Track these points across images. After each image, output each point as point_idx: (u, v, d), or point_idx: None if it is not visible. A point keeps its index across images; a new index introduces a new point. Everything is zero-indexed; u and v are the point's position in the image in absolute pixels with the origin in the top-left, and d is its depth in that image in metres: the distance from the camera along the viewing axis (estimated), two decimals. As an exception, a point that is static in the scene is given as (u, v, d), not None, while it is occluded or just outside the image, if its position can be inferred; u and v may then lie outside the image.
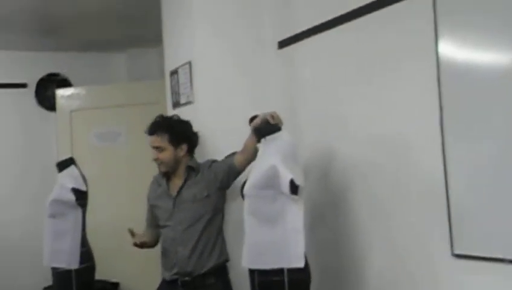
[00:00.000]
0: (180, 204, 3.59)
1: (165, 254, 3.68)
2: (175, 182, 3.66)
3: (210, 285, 3.52)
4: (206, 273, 3.51)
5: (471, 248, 2.66)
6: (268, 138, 3.04)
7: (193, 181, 3.61)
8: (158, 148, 3.62)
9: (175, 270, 3.59)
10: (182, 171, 3.63)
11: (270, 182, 2.93)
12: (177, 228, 3.58)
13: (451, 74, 2.72)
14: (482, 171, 2.61)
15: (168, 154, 3.61)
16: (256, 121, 3.17)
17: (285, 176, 2.88)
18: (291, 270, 2.93)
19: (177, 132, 3.62)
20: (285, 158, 2.95)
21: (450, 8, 2.72)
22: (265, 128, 3.08)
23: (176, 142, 3.60)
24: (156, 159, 3.63)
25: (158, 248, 3.88)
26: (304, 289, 3.03)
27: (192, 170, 3.62)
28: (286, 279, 2.92)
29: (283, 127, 3.10)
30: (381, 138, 3.16)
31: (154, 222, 3.80)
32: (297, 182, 2.88)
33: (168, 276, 3.63)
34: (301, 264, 2.92)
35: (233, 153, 3.54)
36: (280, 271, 2.94)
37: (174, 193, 3.64)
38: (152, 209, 3.82)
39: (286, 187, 2.88)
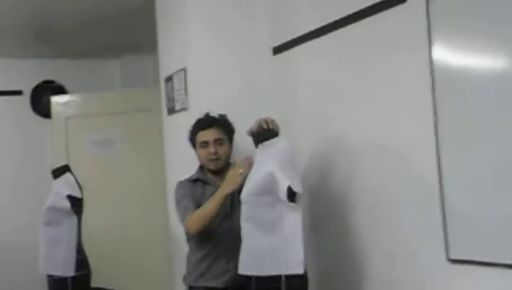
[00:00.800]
0: (235, 205, 3.32)
1: (217, 258, 3.38)
2: (220, 183, 3.34)
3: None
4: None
5: (466, 253, 2.66)
6: (265, 143, 3.04)
7: None
8: (219, 141, 3.41)
9: (228, 277, 3.34)
10: (225, 173, 3.35)
11: (268, 188, 2.93)
12: (234, 230, 3.19)
13: (444, 78, 2.73)
14: (477, 176, 2.61)
15: (227, 149, 3.45)
16: (253, 127, 3.16)
17: (283, 183, 2.88)
18: (289, 277, 2.92)
19: (232, 130, 3.49)
20: (283, 164, 2.94)
21: (443, 13, 2.73)
22: (262, 134, 3.08)
23: (230, 138, 3.48)
24: (214, 154, 3.39)
25: (154, 256, 3.85)
26: None
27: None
28: (284, 286, 2.92)
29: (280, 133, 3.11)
30: (375, 143, 3.16)
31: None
32: (295, 189, 2.87)
33: (220, 283, 3.35)
34: (301, 271, 2.91)
35: None
36: (277, 278, 2.93)
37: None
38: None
39: (284, 194, 2.88)
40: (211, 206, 3.21)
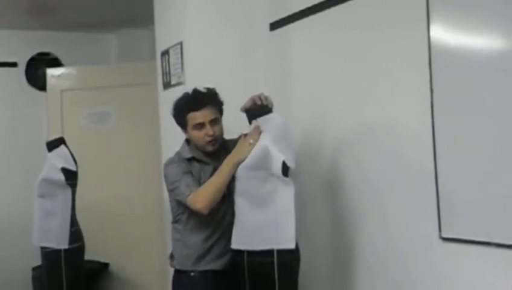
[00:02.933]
0: (231, 183, 3.16)
1: (218, 238, 3.25)
2: (215, 162, 3.23)
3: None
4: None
5: (459, 232, 2.68)
6: (259, 119, 3.03)
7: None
8: (214, 121, 3.21)
9: (227, 259, 3.24)
10: (220, 150, 3.26)
11: (262, 163, 2.93)
12: (230, 210, 3.17)
13: (442, 57, 2.72)
14: (472, 155, 2.62)
15: (221, 127, 3.25)
16: (246, 103, 3.13)
17: (277, 158, 2.88)
18: (281, 252, 2.94)
19: (222, 103, 3.29)
20: (277, 139, 2.94)
21: (442, -8, 2.72)
22: (255, 109, 3.06)
23: (221, 113, 3.29)
24: (212, 136, 3.20)
25: (147, 230, 3.86)
26: (293, 271, 3.04)
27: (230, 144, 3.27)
28: (276, 260, 2.93)
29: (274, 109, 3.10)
30: (370, 122, 3.16)
31: None
32: (289, 163, 2.88)
33: (219, 265, 3.25)
34: (292, 246, 2.92)
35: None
36: (269, 252, 2.94)
37: None
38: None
39: (278, 169, 2.88)
40: (219, 178, 3.07)
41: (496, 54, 2.54)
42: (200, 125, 3.20)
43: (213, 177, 3.12)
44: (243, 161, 3.00)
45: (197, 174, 3.23)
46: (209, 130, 3.19)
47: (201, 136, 3.21)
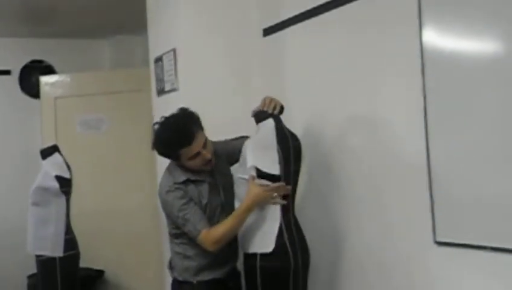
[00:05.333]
0: (227, 194, 3.24)
1: (221, 250, 3.16)
2: (207, 176, 3.25)
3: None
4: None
5: (453, 236, 2.68)
6: (260, 124, 3.07)
7: (222, 167, 3.33)
8: (205, 144, 3.14)
9: (229, 267, 3.28)
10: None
11: (243, 161, 3.01)
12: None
13: (434, 61, 2.73)
14: (465, 158, 2.62)
15: (210, 143, 3.19)
16: (257, 106, 3.14)
17: (250, 162, 2.96)
18: (264, 257, 2.96)
19: (200, 120, 3.21)
20: (257, 145, 3.01)
21: (434, -4, 2.73)
22: (258, 114, 3.11)
23: (202, 128, 3.20)
24: (210, 161, 3.16)
25: (143, 237, 3.85)
26: (280, 276, 3.00)
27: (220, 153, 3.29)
28: (258, 264, 2.96)
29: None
30: (364, 125, 3.17)
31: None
32: (265, 169, 2.94)
33: (220, 274, 3.25)
34: (269, 249, 2.95)
35: (243, 137, 3.33)
36: (254, 256, 2.99)
37: (220, 185, 3.28)
38: (204, 208, 3.21)
39: (249, 171, 2.96)
40: (235, 222, 3.05)
41: (487, 57, 2.55)
42: (196, 155, 3.13)
43: (229, 219, 3.07)
44: (257, 204, 3.01)
45: (197, 197, 3.19)
46: (205, 155, 3.13)
47: (198, 163, 3.16)
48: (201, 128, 3.16)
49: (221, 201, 3.24)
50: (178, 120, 3.16)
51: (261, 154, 2.97)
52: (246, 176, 2.99)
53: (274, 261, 2.97)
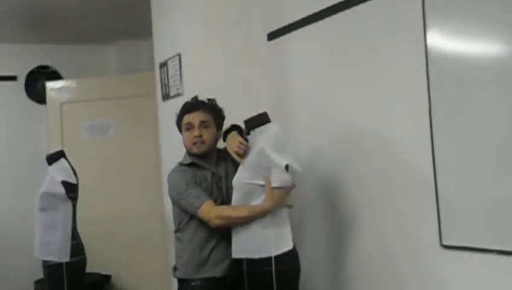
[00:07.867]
0: (229, 193, 3.24)
1: (217, 244, 3.25)
2: (212, 166, 3.33)
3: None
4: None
5: (459, 239, 2.68)
6: (257, 130, 3.05)
7: (229, 168, 3.36)
8: (204, 123, 3.26)
9: (226, 265, 3.24)
10: (213, 157, 3.34)
11: (263, 164, 2.97)
12: None
13: (439, 65, 2.72)
14: (471, 162, 2.62)
15: (211, 133, 3.28)
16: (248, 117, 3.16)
17: (280, 162, 2.96)
18: (279, 261, 2.96)
19: (220, 115, 3.36)
20: (275, 148, 2.98)
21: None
22: (254, 120, 3.08)
23: (217, 124, 3.33)
24: (198, 136, 3.24)
25: (150, 243, 3.85)
26: (292, 279, 3.04)
27: (227, 155, 3.35)
28: (273, 269, 2.95)
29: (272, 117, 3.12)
30: (369, 130, 3.17)
31: None
32: (295, 167, 2.97)
33: (219, 272, 3.24)
34: (290, 246, 2.99)
35: None
36: (268, 261, 2.97)
37: (223, 178, 3.33)
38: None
39: (281, 173, 2.97)
40: (245, 217, 3.07)
41: (492, 60, 2.54)
42: (190, 126, 3.28)
43: (242, 208, 3.10)
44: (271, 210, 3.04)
45: (200, 180, 3.26)
46: (196, 131, 3.25)
47: (189, 137, 3.28)
48: (211, 114, 3.30)
49: (223, 197, 3.27)
50: (198, 97, 3.40)
51: (283, 154, 2.98)
52: (259, 182, 2.99)
53: (289, 265, 3.01)
